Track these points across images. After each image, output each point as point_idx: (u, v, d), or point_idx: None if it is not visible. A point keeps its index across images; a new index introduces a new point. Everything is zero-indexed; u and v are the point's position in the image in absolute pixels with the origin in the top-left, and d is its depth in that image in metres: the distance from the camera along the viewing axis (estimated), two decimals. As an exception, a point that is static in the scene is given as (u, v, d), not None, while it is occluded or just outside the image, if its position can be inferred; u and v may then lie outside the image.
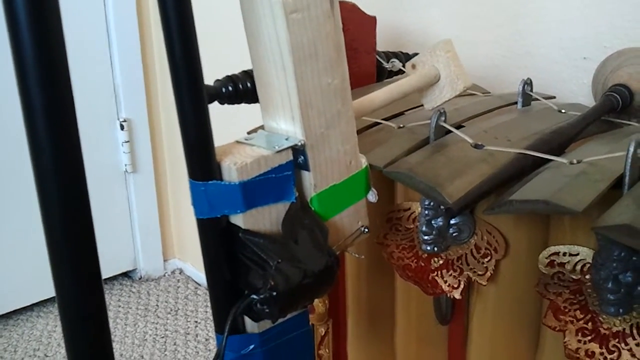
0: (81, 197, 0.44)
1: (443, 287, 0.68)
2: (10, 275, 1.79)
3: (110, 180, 1.90)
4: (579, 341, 0.57)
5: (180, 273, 2.06)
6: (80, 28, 1.72)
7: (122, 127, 1.86)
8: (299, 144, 0.54)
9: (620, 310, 0.55)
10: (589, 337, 0.57)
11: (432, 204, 0.66)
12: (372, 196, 0.62)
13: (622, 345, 0.55)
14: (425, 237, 0.67)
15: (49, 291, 1.88)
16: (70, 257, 0.44)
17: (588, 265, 0.59)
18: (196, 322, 1.80)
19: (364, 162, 0.61)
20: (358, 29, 0.91)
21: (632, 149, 0.55)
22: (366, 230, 0.63)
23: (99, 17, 1.77)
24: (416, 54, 0.99)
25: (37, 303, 1.86)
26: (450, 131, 0.70)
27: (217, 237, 0.52)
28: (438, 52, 0.71)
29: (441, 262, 0.69)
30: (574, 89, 0.94)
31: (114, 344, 1.70)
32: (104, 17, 1.78)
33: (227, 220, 0.52)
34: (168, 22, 0.47)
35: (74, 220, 0.44)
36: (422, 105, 0.76)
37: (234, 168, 0.50)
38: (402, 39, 1.14)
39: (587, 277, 0.59)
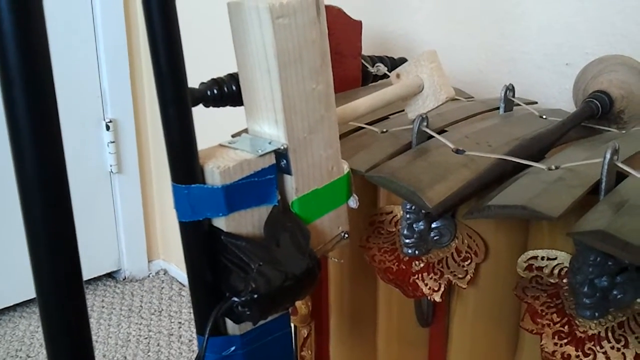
0: (63, 198, 0.44)
1: (424, 290, 0.69)
2: (-7, 275, 1.78)
3: (96, 180, 1.89)
4: (556, 344, 0.58)
5: (164, 274, 2.06)
6: (67, 28, 1.71)
7: (107, 128, 1.85)
8: (282, 147, 0.55)
9: (596, 314, 0.56)
10: (565, 340, 0.58)
11: (413, 208, 0.66)
12: (353, 202, 0.63)
13: (598, 348, 0.56)
14: (407, 241, 0.68)
15: (31, 292, 1.84)
16: (51, 257, 0.44)
17: (565, 269, 0.60)
18: (180, 323, 1.80)
19: (346, 168, 0.62)
20: (344, 33, 0.92)
21: (608, 156, 0.56)
22: (346, 235, 0.63)
23: (86, 17, 1.77)
24: (401, 58, 1.00)
25: (19, 303, 1.85)
26: (432, 136, 0.70)
27: (199, 240, 0.53)
28: (423, 62, 0.72)
29: (422, 265, 0.69)
30: (557, 94, 0.95)
31: (97, 345, 1.70)
32: (91, 17, 1.77)
33: (210, 223, 0.53)
34: (152, 24, 0.48)
35: (55, 221, 0.44)
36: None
37: (217, 171, 0.51)
38: (387, 43, 1.15)
39: (564, 281, 0.60)
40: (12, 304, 1.84)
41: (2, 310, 1.83)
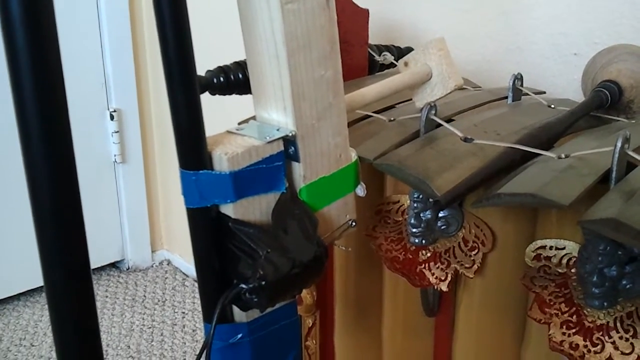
0: (71, 188, 0.44)
1: (430, 279, 0.68)
2: (-3, 264, 1.79)
3: (100, 170, 1.89)
4: (564, 334, 0.58)
5: (168, 264, 2.06)
6: (71, 17, 1.71)
7: (112, 117, 1.85)
8: (290, 134, 0.54)
9: (605, 304, 0.55)
10: (574, 330, 0.58)
11: (421, 196, 0.66)
12: (361, 190, 0.62)
13: (606, 338, 0.56)
14: (414, 230, 0.67)
15: (35, 281, 1.87)
16: (60, 247, 0.44)
17: (574, 259, 0.60)
18: (183, 313, 1.80)
19: (353, 156, 0.61)
20: (351, 21, 0.91)
21: (619, 144, 0.55)
22: (354, 224, 0.63)
23: (90, 6, 1.76)
24: (408, 47, 0.99)
25: (23, 292, 1.85)
26: (441, 125, 0.70)
27: (207, 226, 0.52)
28: (431, 50, 0.72)
29: (429, 254, 0.69)
30: (564, 84, 0.94)
31: (101, 334, 1.70)
32: (96, 6, 1.77)
33: (217, 210, 0.52)
34: (161, 12, 0.47)
35: (64, 211, 0.44)
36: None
37: (225, 158, 0.50)
38: (394, 32, 1.14)
39: (573, 270, 0.59)
40: (15, 293, 1.85)
41: (6, 299, 1.84)
